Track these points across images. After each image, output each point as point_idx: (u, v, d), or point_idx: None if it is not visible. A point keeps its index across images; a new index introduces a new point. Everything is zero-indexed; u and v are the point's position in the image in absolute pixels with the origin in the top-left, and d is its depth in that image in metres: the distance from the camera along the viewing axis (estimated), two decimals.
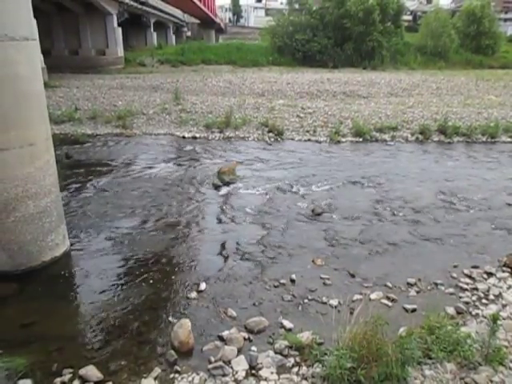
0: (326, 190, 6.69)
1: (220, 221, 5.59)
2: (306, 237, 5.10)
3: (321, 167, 7.93)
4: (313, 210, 5.80)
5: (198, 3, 31.52)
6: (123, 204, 6.10)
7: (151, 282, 4.14)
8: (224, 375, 2.94)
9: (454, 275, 4.23)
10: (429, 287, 4.04)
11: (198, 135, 10.24)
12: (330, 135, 10.02)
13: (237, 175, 7.23)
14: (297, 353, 3.13)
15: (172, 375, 2.99)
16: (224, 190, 6.68)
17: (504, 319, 3.36)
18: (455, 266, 4.40)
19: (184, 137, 10.15)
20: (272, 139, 9.97)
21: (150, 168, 7.87)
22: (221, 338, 3.33)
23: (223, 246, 4.89)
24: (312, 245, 4.91)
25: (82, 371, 2.94)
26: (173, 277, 4.26)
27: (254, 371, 2.99)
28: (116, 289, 4.05)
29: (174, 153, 9.09)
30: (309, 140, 9.92)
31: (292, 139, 9.97)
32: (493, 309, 3.56)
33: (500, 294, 3.86)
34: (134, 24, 30.02)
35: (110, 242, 4.94)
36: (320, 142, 9.74)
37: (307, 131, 10.39)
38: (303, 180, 7.16)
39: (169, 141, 9.97)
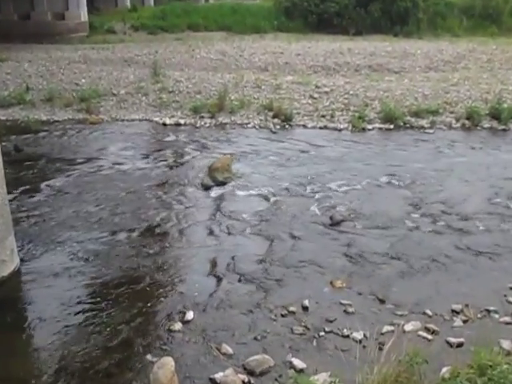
0: (348, 192, 6.75)
1: (211, 231, 5.67)
2: (321, 252, 5.16)
3: (340, 162, 7.97)
4: (331, 218, 5.86)
5: None
6: (88, 210, 6.18)
7: (124, 309, 4.17)
8: None
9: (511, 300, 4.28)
10: (479, 315, 4.05)
11: (182, 121, 10.33)
12: (351, 121, 10.06)
13: (232, 173, 7.27)
14: None
15: None
16: (216, 192, 6.77)
17: None
18: None
19: (165, 123, 10.23)
20: (278, 126, 10.06)
21: (122, 164, 7.94)
22: (213, 382, 3.35)
23: (216, 263, 4.96)
24: (330, 262, 4.96)
25: None
26: (152, 303, 4.30)
27: None
28: (79, 318, 4.05)
29: (153, 144, 9.18)
30: (325, 127, 10.01)
31: (303, 126, 10.07)
32: None
33: None
34: None
35: (71, 258, 4.99)
36: (339, 130, 9.80)
37: (323, 116, 10.48)
38: (318, 179, 7.21)
39: (145, 129, 10.06)
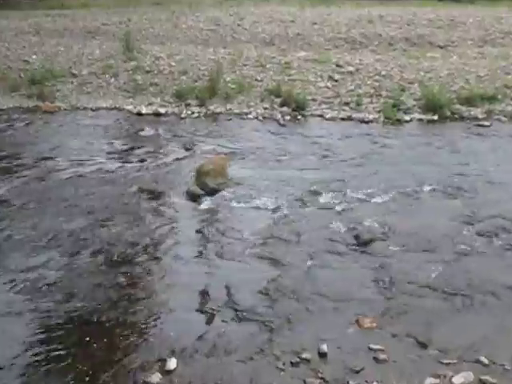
0: (378, 203, 6.81)
1: (201, 254, 5.72)
2: (344, 281, 5.20)
3: (369, 165, 8.03)
4: (356, 237, 5.94)
5: None
6: (39, 225, 6.21)
7: (87, 356, 4.18)
8: None
9: None
10: None
11: (163, 110, 10.43)
12: (383, 110, 10.16)
13: (228, 178, 7.37)
14: None
15: None
16: (207, 203, 6.85)
17: None
18: None
19: (140, 113, 10.37)
20: (287, 117, 10.13)
21: (84, 166, 8.03)
22: None
23: (206, 295, 5.00)
24: (355, 294, 4.98)
25: None
26: (123, 348, 4.29)
27: None
28: (28, 366, 4.06)
29: (124, 140, 9.25)
30: (348, 118, 10.06)
31: (320, 117, 10.14)
32: None
33: None
34: None
35: (17, 289, 4.99)
36: (367, 122, 9.88)
37: (346, 104, 10.55)
38: (339, 186, 7.25)
39: (115, 119, 10.17)
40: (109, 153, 8.58)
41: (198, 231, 6.22)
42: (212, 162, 7.47)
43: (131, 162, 8.22)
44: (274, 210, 6.62)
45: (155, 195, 7.13)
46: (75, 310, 4.76)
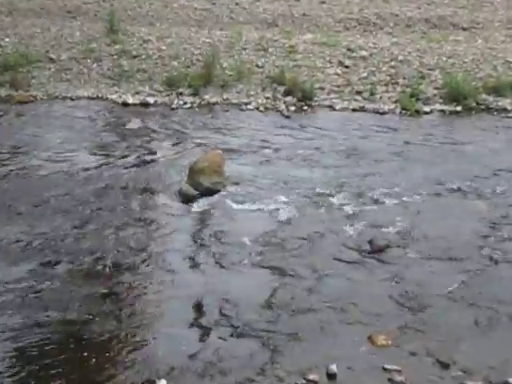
0: (394, 205, 6.86)
1: (194, 264, 5.77)
2: (356, 292, 5.23)
3: (384, 162, 8.06)
4: (370, 242, 6.01)
5: None
6: (11, 230, 6.22)
7: (67, 378, 4.18)
8: None
9: None
10: None
11: (151, 100, 10.40)
12: (400, 100, 10.16)
13: (225, 176, 7.39)
14: None
15: None
16: (201, 205, 6.88)
17: None
18: None
19: (126, 103, 10.35)
20: (292, 108, 10.14)
21: (62, 162, 8.03)
22: None
23: (201, 309, 5.05)
24: (368, 307, 5.01)
25: None
26: (107, 368, 4.30)
27: None
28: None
29: (108, 133, 9.24)
30: (361, 109, 10.09)
31: (330, 108, 10.15)
32: None
33: None
34: None
35: None
36: (382, 114, 9.90)
37: (358, 93, 10.56)
38: (351, 185, 7.30)
39: (98, 110, 10.14)
40: (90, 148, 8.57)
41: (191, 237, 6.26)
42: (207, 159, 7.47)
43: (115, 159, 8.19)
44: (277, 213, 6.63)
45: (142, 196, 7.14)
46: (52, 325, 4.76)
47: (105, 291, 5.25)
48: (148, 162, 8.14)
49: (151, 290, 5.37)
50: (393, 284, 5.36)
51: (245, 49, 12.47)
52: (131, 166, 7.99)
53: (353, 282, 5.42)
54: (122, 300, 5.19)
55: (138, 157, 8.30)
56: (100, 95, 10.71)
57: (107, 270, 5.61)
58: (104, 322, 4.81)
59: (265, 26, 14.90)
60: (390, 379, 4.17)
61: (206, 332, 4.75)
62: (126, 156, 8.33)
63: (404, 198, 6.94)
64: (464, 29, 14.97)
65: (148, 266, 5.75)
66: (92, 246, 6.01)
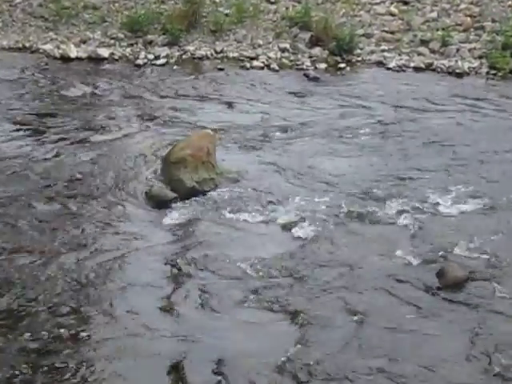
0: (473, 215, 6.62)
1: (169, 304, 5.43)
2: (418, 349, 4.93)
3: (459, 151, 7.89)
4: (439, 274, 5.67)
5: None
6: None
7: None
8: None
9: None
10: None
11: (106, 53, 10.06)
12: (488, 54, 9.80)
13: (216, 170, 7.20)
14: None
15: None
16: (179, 214, 6.62)
17: None
18: None
19: (68, 57, 10.03)
20: (322, 65, 9.76)
21: None
22: None
23: (181, 376, 4.78)
24: (438, 371, 4.73)
25: None
26: None
27: None
28: None
29: (38, 102, 9.02)
30: (428, 68, 9.75)
31: (379, 65, 9.94)
32: None
33: None
34: None
35: None
36: (460, 75, 9.62)
37: (424, 43, 10.20)
38: (407, 185, 7.17)
39: (23, 67, 9.89)
40: (11, 125, 8.32)
41: (164, 264, 5.89)
42: (190, 144, 7.18)
43: (48, 143, 7.90)
44: (294, 227, 6.37)
45: (91, 200, 6.78)
46: None
47: (33, 346, 5.01)
48: (100, 148, 7.80)
49: (97, 351, 5.05)
50: (474, 336, 5.07)
51: None
52: (73, 154, 7.68)
53: (411, 333, 5.10)
54: (64, 351, 4.95)
55: (85, 139, 7.96)
56: (27, 45, 10.37)
57: (49, 312, 5.41)
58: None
59: None
60: None
61: None
62: (62, 138, 7.98)
63: (484, 205, 6.79)
64: None
65: (100, 307, 5.42)
66: (22, 275, 5.80)
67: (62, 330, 5.13)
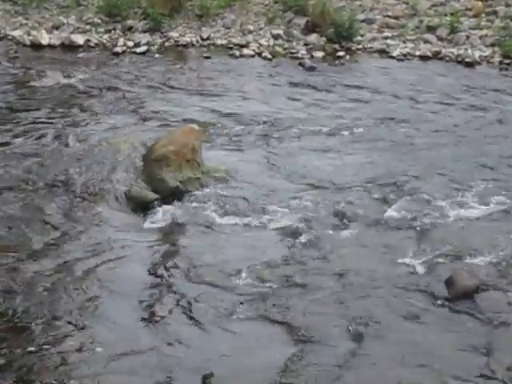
0: (484, 218, 6.63)
1: (151, 320, 5.31)
2: (425, 365, 4.83)
3: (471, 147, 7.94)
4: (448, 283, 5.59)
5: None
6: None
7: None
8: None
9: None
10: None
11: (81, 40, 10.08)
12: (501, 42, 9.78)
13: (203, 169, 7.15)
14: None
15: None
16: (161, 217, 6.61)
17: None
18: None
19: (39, 44, 10.09)
20: (319, 53, 9.81)
21: None
22: None
23: None
24: None
25: None
26: None
27: None
28: None
29: (6, 94, 9.11)
30: (435, 56, 9.67)
31: (381, 53, 9.97)
32: None
33: None
34: None
35: None
36: (470, 64, 9.62)
37: (430, 29, 10.21)
38: (415, 186, 7.13)
39: None
40: None
41: (143, 273, 5.82)
42: (173, 140, 7.15)
43: (16, 137, 7.88)
44: (289, 232, 6.36)
45: (62, 202, 6.70)
46: None
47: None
48: (75, 144, 7.77)
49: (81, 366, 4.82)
50: (487, 351, 5.00)
51: None
52: (45, 150, 7.64)
53: (419, 347, 5.00)
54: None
55: (58, 134, 7.92)
56: None
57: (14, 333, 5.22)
58: None
59: None
60: None
61: None
62: (32, 133, 7.98)
63: (497, 207, 6.87)
64: None
65: (80, 331, 5.22)
66: None
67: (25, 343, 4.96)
